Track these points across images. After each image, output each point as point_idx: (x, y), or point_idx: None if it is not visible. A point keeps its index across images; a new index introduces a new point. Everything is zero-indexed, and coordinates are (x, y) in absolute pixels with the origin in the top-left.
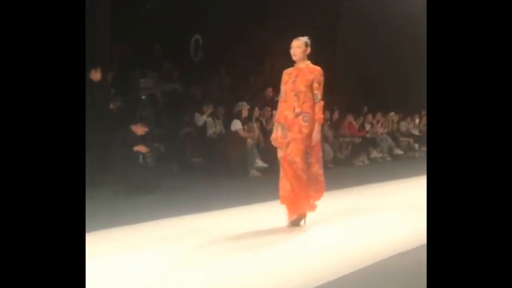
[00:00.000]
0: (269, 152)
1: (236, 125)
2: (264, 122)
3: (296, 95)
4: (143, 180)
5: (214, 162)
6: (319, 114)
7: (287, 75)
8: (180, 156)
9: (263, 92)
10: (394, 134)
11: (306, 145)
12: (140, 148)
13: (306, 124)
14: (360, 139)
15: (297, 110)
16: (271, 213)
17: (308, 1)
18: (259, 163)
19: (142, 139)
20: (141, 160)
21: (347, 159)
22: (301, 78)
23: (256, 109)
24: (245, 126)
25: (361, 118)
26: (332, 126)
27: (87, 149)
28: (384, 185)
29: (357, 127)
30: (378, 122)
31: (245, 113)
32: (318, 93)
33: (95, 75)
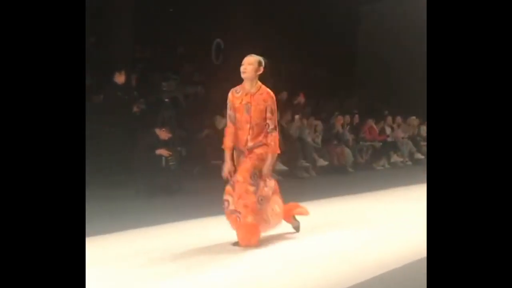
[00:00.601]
0: (289, 155)
1: None
2: (285, 125)
3: (252, 127)
4: (165, 182)
5: None
6: (274, 147)
7: (237, 99)
8: (200, 158)
9: (277, 96)
10: (415, 138)
11: (254, 165)
12: (162, 152)
13: (260, 148)
14: (380, 143)
15: (250, 144)
16: None
17: (328, 6)
18: (278, 165)
19: (164, 143)
20: (163, 162)
21: (367, 163)
22: (255, 109)
23: None
24: None
25: (382, 122)
26: (353, 130)
27: (111, 150)
28: (404, 190)
29: (377, 131)
30: (398, 126)
31: None
32: (271, 122)
33: (119, 77)
